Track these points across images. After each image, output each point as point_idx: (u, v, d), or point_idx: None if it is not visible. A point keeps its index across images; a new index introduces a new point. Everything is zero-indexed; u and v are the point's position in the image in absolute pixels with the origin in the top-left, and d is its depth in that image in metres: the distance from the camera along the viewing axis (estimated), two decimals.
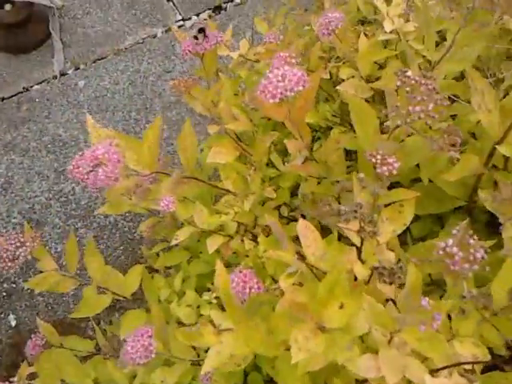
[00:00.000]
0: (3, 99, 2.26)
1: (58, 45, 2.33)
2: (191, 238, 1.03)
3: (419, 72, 0.56)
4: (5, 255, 0.86)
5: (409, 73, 0.54)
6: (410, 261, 0.51)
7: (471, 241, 0.48)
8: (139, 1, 2.50)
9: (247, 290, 0.66)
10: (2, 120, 2.19)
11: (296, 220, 1.06)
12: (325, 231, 0.70)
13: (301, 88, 0.64)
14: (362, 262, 0.53)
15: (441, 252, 0.48)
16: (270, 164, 1.06)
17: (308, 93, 0.69)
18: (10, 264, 0.86)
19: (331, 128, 0.98)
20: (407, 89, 0.53)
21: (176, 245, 1.16)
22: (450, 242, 0.48)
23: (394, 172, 0.52)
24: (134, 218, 1.94)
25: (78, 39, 2.41)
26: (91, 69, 2.31)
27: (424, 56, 0.80)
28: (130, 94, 2.22)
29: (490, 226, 0.82)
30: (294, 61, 0.70)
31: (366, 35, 0.84)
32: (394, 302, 0.56)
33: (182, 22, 2.44)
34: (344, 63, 0.90)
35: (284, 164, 0.98)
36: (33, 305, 1.79)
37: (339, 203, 0.89)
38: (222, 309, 1.06)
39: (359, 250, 0.52)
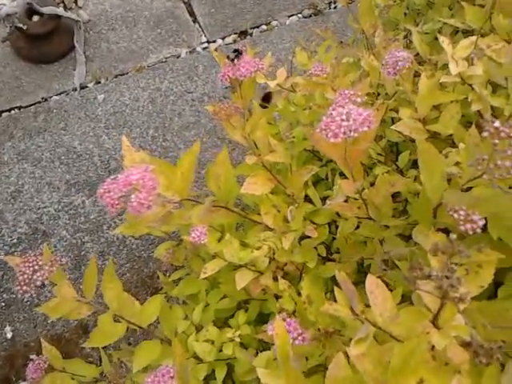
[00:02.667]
0: (20, 108, 2.23)
1: (81, 58, 2.31)
2: None
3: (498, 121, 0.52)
4: (21, 278, 0.80)
5: (497, 123, 0.49)
6: (483, 324, 0.46)
7: None
8: (165, 21, 2.50)
9: (290, 341, 0.60)
10: (17, 128, 2.16)
11: (333, 260, 1.03)
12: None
13: (366, 129, 0.60)
14: (438, 328, 0.48)
15: None
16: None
17: (368, 135, 0.65)
18: (25, 288, 0.80)
19: (372, 165, 0.94)
20: (496, 141, 0.48)
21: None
22: None
23: (479, 231, 0.48)
24: (143, 235, 1.90)
25: (101, 54, 2.39)
26: (112, 84, 2.29)
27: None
28: (149, 111, 2.19)
29: None
30: (359, 99, 0.66)
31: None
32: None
33: (206, 44, 2.42)
34: (395, 101, 0.86)
35: (322, 200, 0.93)
36: (31, 317, 1.73)
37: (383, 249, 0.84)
38: (244, 347, 1.01)
39: (435, 316, 0.47)
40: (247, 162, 0.91)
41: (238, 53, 1.01)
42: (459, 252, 0.43)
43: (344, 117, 0.59)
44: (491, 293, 0.79)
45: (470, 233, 0.49)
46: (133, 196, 0.76)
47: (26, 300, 1.76)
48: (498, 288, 0.78)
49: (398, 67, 0.75)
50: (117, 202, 0.78)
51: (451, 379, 0.42)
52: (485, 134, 0.50)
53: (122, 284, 1.84)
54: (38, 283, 0.81)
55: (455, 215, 0.50)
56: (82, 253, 1.89)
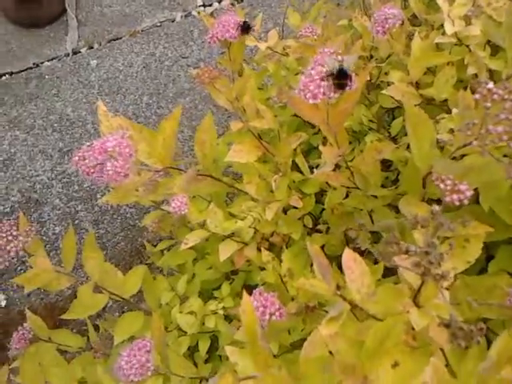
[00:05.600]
0: (12, 74, 2.18)
1: (73, 22, 2.24)
2: None
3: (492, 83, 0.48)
4: None
5: (490, 85, 0.45)
6: (468, 302, 0.43)
7: None
8: None
9: (267, 317, 0.58)
10: (8, 95, 2.11)
11: (320, 231, 0.99)
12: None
13: (347, 89, 0.55)
14: (418, 306, 0.44)
15: None
16: (292, 166, 0.97)
17: (351, 96, 0.60)
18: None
19: (365, 132, 0.90)
20: (488, 104, 0.44)
21: None
22: None
23: (466, 202, 0.44)
24: (137, 204, 1.87)
25: (94, 18, 2.32)
26: (105, 49, 2.23)
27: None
28: (143, 77, 2.13)
29: None
30: (340, 57, 0.61)
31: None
32: (442, 351, 0.47)
33: (202, 8, 2.34)
34: (389, 64, 0.81)
35: (310, 169, 0.89)
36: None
37: (371, 220, 0.81)
38: (228, 320, 0.99)
39: (415, 293, 0.44)
40: (232, 128, 0.86)
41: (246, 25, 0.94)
42: (440, 225, 0.39)
43: (323, 76, 0.55)
44: (482, 267, 0.76)
45: (457, 204, 0.45)
46: (108, 164, 0.72)
47: (20, 269, 1.75)
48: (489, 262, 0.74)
49: (387, 25, 0.70)
50: (92, 170, 0.75)
51: (427, 362, 0.39)
52: (476, 96, 0.46)
53: (117, 253, 1.84)
54: (12, 254, 0.78)
55: (441, 185, 0.46)
56: (76, 222, 1.87)
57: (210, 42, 0.90)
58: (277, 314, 0.58)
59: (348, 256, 0.48)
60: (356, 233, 0.72)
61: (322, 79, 0.56)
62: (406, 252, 0.38)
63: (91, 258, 0.91)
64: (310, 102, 0.56)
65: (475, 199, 0.68)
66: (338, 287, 0.50)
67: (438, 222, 0.39)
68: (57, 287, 0.87)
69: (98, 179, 0.72)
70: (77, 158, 0.74)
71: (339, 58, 0.58)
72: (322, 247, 0.93)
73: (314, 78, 0.57)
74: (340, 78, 0.56)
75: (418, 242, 0.49)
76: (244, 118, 0.94)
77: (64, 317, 0.87)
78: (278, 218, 0.84)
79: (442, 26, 0.77)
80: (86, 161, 0.73)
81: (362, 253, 0.58)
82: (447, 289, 0.48)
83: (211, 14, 2.30)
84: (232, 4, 2.35)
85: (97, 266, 0.91)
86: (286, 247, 0.87)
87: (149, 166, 0.85)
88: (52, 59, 2.22)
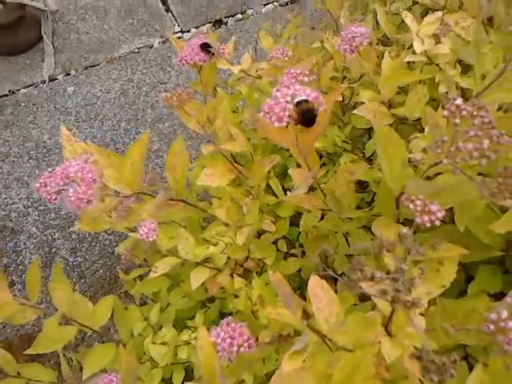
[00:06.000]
0: None
1: (50, 49, 2.23)
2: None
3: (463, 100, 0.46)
4: None
5: (458, 101, 0.43)
6: (444, 328, 0.40)
7: None
8: (137, 10, 2.41)
9: (235, 348, 0.54)
10: None
11: (295, 255, 0.97)
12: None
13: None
14: (390, 335, 0.42)
15: (492, 327, 0.38)
16: (267, 189, 0.95)
17: (321, 117, 0.58)
18: None
19: (339, 154, 0.88)
20: (457, 121, 0.42)
21: None
22: (505, 313, 0.38)
23: (437, 223, 0.42)
24: (116, 231, 1.83)
25: (70, 45, 2.30)
26: (82, 75, 2.21)
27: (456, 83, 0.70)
28: (121, 103, 2.11)
29: None
30: (306, 79, 0.59)
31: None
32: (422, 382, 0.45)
33: (180, 34, 2.34)
34: (361, 85, 0.80)
35: (285, 191, 0.87)
36: None
37: (347, 242, 0.78)
38: None
39: (387, 321, 0.41)
40: (203, 152, 0.84)
41: (205, 45, 0.94)
42: (408, 249, 0.37)
43: (289, 98, 0.53)
44: (462, 289, 0.74)
45: (428, 225, 0.43)
46: (71, 190, 0.69)
47: None
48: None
49: (354, 43, 0.69)
50: (54, 197, 0.72)
51: None
52: (445, 112, 0.44)
53: (95, 281, 1.79)
54: None
55: (411, 205, 0.44)
56: (53, 250, 1.82)
57: (179, 65, 0.89)
58: (245, 345, 0.55)
59: (315, 283, 0.45)
60: (332, 256, 0.70)
61: (287, 102, 0.54)
62: (372, 279, 0.36)
63: (59, 289, 0.87)
64: (276, 124, 0.54)
65: (451, 219, 0.66)
66: (308, 316, 0.47)
67: (405, 247, 0.36)
68: (21, 320, 0.83)
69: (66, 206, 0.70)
70: (38, 184, 0.71)
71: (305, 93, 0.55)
72: (299, 271, 0.90)
73: (279, 100, 0.55)
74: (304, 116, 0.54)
75: (389, 266, 0.46)
76: (216, 141, 0.92)
77: (29, 352, 0.83)
78: (250, 243, 0.82)
79: (412, 45, 0.76)
80: (48, 187, 0.70)
81: (335, 278, 0.56)
82: (422, 314, 0.45)
83: (190, 38, 2.30)
84: (209, 31, 2.36)
85: (64, 297, 0.87)
86: (261, 273, 0.84)
87: (119, 192, 0.83)
88: (28, 86, 2.19)
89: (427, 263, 0.43)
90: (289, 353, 0.41)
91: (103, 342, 1.52)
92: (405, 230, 0.38)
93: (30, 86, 2.19)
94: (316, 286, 0.45)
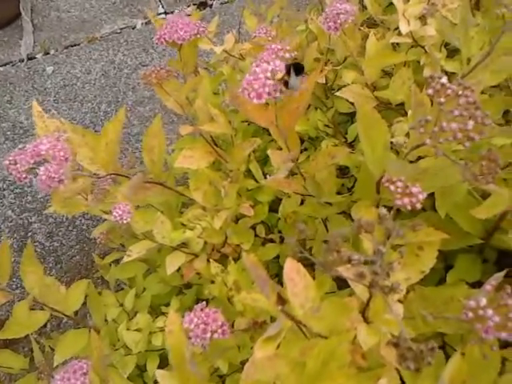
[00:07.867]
0: None
1: (28, 26, 2.16)
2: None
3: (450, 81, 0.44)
4: None
5: (444, 80, 0.41)
6: (423, 315, 0.39)
7: (510, 301, 0.36)
8: None
9: (208, 335, 0.52)
10: None
11: (273, 241, 0.95)
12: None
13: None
14: (367, 321, 0.40)
15: (470, 314, 0.36)
16: (247, 173, 0.93)
17: (301, 96, 0.56)
18: None
19: (322, 139, 0.86)
20: (441, 99, 0.40)
21: None
22: (483, 301, 0.36)
23: (418, 206, 0.40)
24: (94, 215, 1.80)
25: (50, 23, 2.24)
26: (62, 55, 2.15)
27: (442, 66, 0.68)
28: (101, 85, 2.07)
29: (498, 266, 0.71)
30: (288, 55, 0.57)
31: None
32: (398, 370, 0.43)
33: (164, 16, 2.30)
34: (345, 68, 0.77)
35: (265, 176, 0.84)
36: None
37: (326, 228, 0.77)
38: None
39: (364, 307, 0.40)
40: (181, 133, 0.82)
41: None
42: (387, 231, 0.35)
43: (269, 74, 0.50)
44: (441, 277, 0.73)
45: (409, 208, 0.41)
46: (41, 168, 0.66)
47: None
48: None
49: (339, 20, 0.67)
50: (24, 175, 0.69)
51: None
52: (429, 91, 0.42)
53: (72, 266, 1.75)
54: None
55: (392, 187, 0.42)
56: (29, 234, 1.78)
57: (157, 43, 0.86)
58: (219, 331, 0.53)
59: (290, 267, 0.43)
60: (310, 243, 0.68)
61: (267, 78, 0.52)
62: (349, 261, 0.34)
63: (30, 272, 0.84)
64: (255, 101, 0.52)
65: (432, 205, 0.65)
66: (284, 302, 0.45)
67: (385, 228, 0.35)
68: None
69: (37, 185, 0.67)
70: (7, 161, 0.68)
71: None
72: (278, 257, 0.89)
73: (258, 75, 0.52)
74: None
75: (367, 252, 0.45)
76: (196, 122, 0.89)
77: None
78: (227, 227, 0.80)
79: (399, 27, 0.74)
80: (18, 165, 0.67)
81: (313, 264, 0.54)
82: (400, 301, 0.44)
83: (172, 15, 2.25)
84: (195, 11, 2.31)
85: (36, 281, 0.84)
86: (238, 259, 0.82)
87: (93, 173, 0.80)
88: (5, 64, 2.13)
89: (407, 248, 0.42)
90: (261, 339, 0.40)
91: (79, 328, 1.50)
92: (384, 210, 0.37)
93: (7, 64, 2.13)
94: (292, 269, 0.43)
